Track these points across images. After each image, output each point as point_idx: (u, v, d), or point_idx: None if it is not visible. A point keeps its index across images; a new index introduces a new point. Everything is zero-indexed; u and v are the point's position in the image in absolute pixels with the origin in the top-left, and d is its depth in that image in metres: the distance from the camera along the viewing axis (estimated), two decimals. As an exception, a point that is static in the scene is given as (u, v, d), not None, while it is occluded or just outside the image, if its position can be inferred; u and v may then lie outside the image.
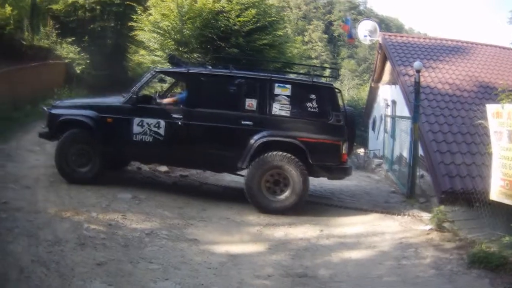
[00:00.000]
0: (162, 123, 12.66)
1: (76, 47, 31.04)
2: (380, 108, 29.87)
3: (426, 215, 12.79)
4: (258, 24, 22.79)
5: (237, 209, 12.64)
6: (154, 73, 13.99)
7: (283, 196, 12.39)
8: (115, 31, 37.20)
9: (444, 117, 17.38)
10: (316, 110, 12.52)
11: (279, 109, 12.54)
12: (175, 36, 21.97)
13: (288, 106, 12.56)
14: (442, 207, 11.89)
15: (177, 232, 10.20)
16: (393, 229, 11.75)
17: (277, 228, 11.29)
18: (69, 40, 31.12)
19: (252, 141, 12.31)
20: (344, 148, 12.46)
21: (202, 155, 12.88)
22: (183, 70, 13.73)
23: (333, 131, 12.42)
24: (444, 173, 14.54)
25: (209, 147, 12.80)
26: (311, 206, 13.48)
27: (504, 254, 8.95)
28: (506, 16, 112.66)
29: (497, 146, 9.79)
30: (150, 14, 23.06)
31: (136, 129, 12.70)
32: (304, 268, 8.78)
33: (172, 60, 14.51)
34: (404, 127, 17.32)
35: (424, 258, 9.62)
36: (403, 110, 20.63)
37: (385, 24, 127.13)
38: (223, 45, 22.51)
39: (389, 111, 25.98)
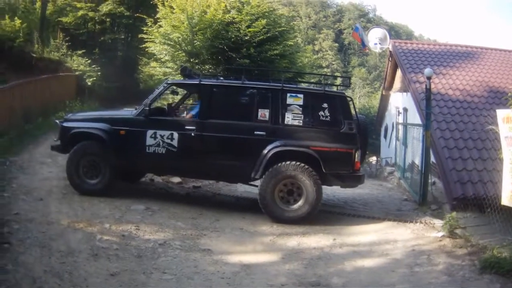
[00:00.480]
0: (175, 134, 12.68)
1: (87, 59, 31.09)
2: (392, 115, 29.83)
3: (438, 222, 12.78)
4: (268, 34, 22.88)
5: (250, 219, 12.67)
6: (166, 85, 13.99)
7: (296, 206, 12.39)
8: (125, 43, 37.33)
9: (455, 123, 17.33)
10: (328, 118, 12.57)
11: (292, 118, 12.58)
12: (186, 48, 22.03)
13: (301, 115, 12.61)
14: (454, 214, 11.91)
15: (190, 242, 10.23)
16: (406, 237, 11.75)
17: (290, 238, 11.29)
18: (80, 52, 31.30)
19: (265, 151, 12.35)
20: (357, 156, 12.51)
21: (216, 166, 12.92)
22: (195, 81, 13.89)
23: (346, 139, 12.48)
24: (456, 180, 14.50)
25: (223, 158, 12.86)
26: (324, 215, 13.55)
27: (515, 259, 8.96)
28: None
29: (508, 151, 9.77)
30: (161, 26, 23.12)
31: (149, 141, 12.75)
32: (318, 277, 8.79)
33: (184, 71, 14.57)
34: (416, 135, 17.29)
35: (437, 264, 9.63)
36: (414, 117, 20.59)
37: (394, 31, 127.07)
38: (234, 55, 22.60)
39: (400, 119, 25.98)
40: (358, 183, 13.11)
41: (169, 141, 12.68)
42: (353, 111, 13.33)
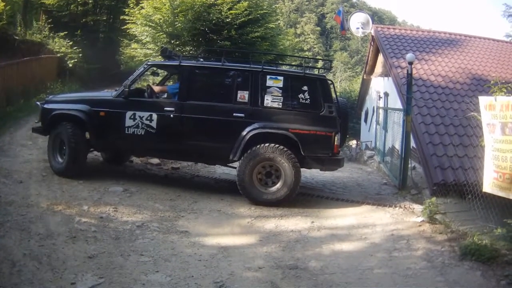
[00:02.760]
0: (154, 116, 12.67)
1: (69, 41, 31.14)
2: (373, 100, 29.89)
3: (418, 207, 12.76)
4: (250, 17, 22.95)
5: (228, 201, 12.65)
6: (146, 66, 13.98)
7: (274, 188, 12.37)
8: (107, 25, 37.46)
9: (437, 109, 17.40)
10: (308, 101, 12.54)
11: (271, 101, 12.57)
12: (167, 29, 22.07)
13: (280, 97, 12.59)
14: (434, 199, 11.86)
15: (168, 224, 10.22)
16: (385, 221, 11.72)
17: (268, 220, 11.29)
18: (62, 34, 31.31)
19: (243, 133, 12.30)
20: (337, 140, 12.44)
21: (194, 147, 12.89)
22: (175, 63, 13.80)
23: (325, 122, 12.43)
24: (436, 165, 14.56)
25: (201, 139, 12.85)
26: (302, 197, 13.54)
27: (496, 246, 8.96)
28: (500, 9, 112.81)
29: (490, 139, 9.80)
30: (142, 8, 23.21)
31: (128, 122, 12.72)
32: (295, 260, 8.77)
33: (164, 53, 14.68)
34: (397, 119, 17.28)
35: (416, 250, 9.60)
36: (395, 102, 20.64)
37: (378, 17, 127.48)
38: (215, 37, 22.69)
39: (381, 103, 26.01)
40: (337, 166, 13.14)
41: (148, 122, 12.69)
42: (333, 95, 13.30)
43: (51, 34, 31.17)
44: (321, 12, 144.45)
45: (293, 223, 11.17)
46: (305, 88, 12.54)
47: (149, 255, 8.35)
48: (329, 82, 12.96)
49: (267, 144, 12.21)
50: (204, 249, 8.96)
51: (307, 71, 13.15)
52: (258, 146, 12.23)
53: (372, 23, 28.68)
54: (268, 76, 12.69)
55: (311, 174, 16.66)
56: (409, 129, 14.94)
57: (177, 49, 22.72)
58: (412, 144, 15.76)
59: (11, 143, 15.94)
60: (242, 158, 12.36)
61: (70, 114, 13.11)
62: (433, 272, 8.46)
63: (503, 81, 11.13)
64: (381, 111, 24.11)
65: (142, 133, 12.70)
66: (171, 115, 12.65)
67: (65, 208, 10.16)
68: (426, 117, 16.89)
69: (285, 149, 12.14)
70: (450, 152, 15.08)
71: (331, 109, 12.49)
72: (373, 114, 28.79)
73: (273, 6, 29.82)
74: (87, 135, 13.16)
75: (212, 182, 15.36)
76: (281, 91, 12.62)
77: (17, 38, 27.52)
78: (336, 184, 16.78)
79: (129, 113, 12.74)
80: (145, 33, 23.29)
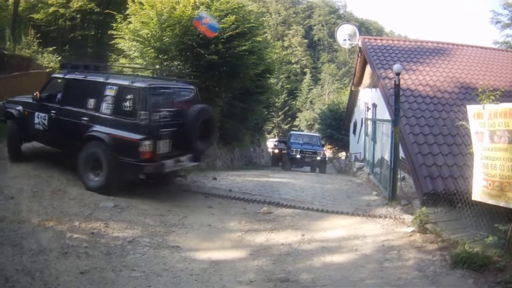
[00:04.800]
0: (47, 116, 15.45)
1: (57, 56, 30.96)
2: (361, 111, 29.95)
3: (408, 217, 12.83)
4: (237, 31, 23.08)
5: (218, 216, 12.79)
6: (50, 78, 17.25)
7: (98, 178, 14.01)
8: (95, 40, 37.42)
9: (425, 119, 17.41)
10: (129, 109, 14.03)
11: (105, 108, 14.35)
12: (155, 44, 22.13)
13: (111, 105, 14.30)
14: (424, 209, 11.92)
15: (159, 239, 10.25)
16: (375, 232, 11.77)
17: (259, 234, 11.34)
18: (50, 49, 31.21)
19: (85, 133, 14.25)
20: (149, 147, 13.61)
21: (64, 141, 15.43)
22: (60, 76, 16.59)
23: (137, 129, 13.69)
24: (425, 175, 14.57)
25: (66, 136, 15.13)
26: (292, 210, 13.67)
27: (488, 254, 9.00)
28: (488, 15, 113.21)
29: (479, 147, 9.85)
30: (130, 22, 23.19)
31: (36, 120, 15.71)
32: (286, 273, 8.79)
33: (64, 67, 17.63)
34: (385, 130, 17.33)
35: (407, 260, 9.64)
36: (384, 113, 20.68)
37: (365, 28, 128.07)
38: (202, 52, 22.85)
39: (369, 114, 26.06)
40: (147, 172, 14.35)
41: (44, 121, 15.51)
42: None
43: (40, 49, 31.02)
44: (308, 25, 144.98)
45: (284, 236, 11.23)
46: (129, 97, 14.09)
47: (141, 270, 8.37)
48: (150, 92, 14.20)
49: (95, 142, 14.17)
50: (195, 264, 8.99)
51: (136, 82, 14.38)
52: (89, 143, 14.25)
53: (359, 35, 28.74)
54: (108, 86, 14.54)
55: (301, 187, 16.70)
56: (398, 140, 14.98)
57: (165, 63, 22.86)
58: (401, 154, 15.79)
59: (1, 158, 16.01)
60: (80, 152, 14.39)
61: (11, 112, 16.42)
62: (424, 281, 8.50)
63: (491, 89, 11.15)
64: (369, 123, 24.15)
65: (41, 128, 15.61)
66: (53, 116, 15.26)
67: (56, 224, 10.13)
68: (414, 127, 16.90)
69: (106, 148, 13.90)
70: (440, 161, 15.10)
71: (145, 117, 13.71)
72: (361, 126, 28.90)
73: (260, 19, 29.94)
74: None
75: (202, 197, 15.32)
76: (113, 99, 14.33)
77: (6, 53, 27.47)
78: (326, 196, 16.89)
79: (36, 113, 15.76)
80: (133, 48, 23.34)
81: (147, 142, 13.42)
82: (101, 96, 14.38)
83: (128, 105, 13.91)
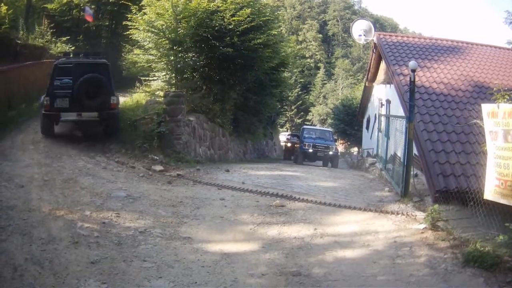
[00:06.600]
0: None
1: (71, 46, 31.05)
2: (374, 107, 29.88)
3: (420, 214, 12.73)
4: (252, 24, 22.93)
5: (230, 208, 12.67)
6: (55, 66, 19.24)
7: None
8: (109, 30, 37.48)
9: (439, 116, 17.34)
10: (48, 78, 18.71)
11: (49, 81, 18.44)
12: (170, 35, 21.99)
13: (48, 80, 18.55)
14: (436, 206, 11.85)
15: (171, 230, 10.21)
16: (387, 228, 11.68)
17: (271, 227, 11.25)
18: (64, 39, 31.35)
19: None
20: (47, 102, 18.05)
21: None
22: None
23: (45, 92, 18.47)
24: (438, 172, 14.50)
25: None
26: (304, 204, 13.54)
27: (499, 253, 8.92)
28: (502, 16, 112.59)
29: (492, 146, 9.76)
30: (145, 13, 23.08)
31: None
32: (298, 267, 8.75)
33: (66, 55, 20.79)
34: (399, 127, 17.20)
35: (419, 257, 9.58)
36: (397, 109, 20.59)
37: (379, 24, 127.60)
38: (217, 44, 22.76)
39: (383, 111, 25.96)
40: (50, 118, 18.46)
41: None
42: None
43: (53, 39, 31.20)
44: (323, 19, 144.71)
45: (296, 230, 11.13)
46: (51, 71, 18.74)
47: (152, 261, 8.35)
48: (58, 66, 18.77)
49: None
50: (207, 256, 8.96)
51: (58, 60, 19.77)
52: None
53: (375, 31, 28.63)
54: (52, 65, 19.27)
55: (314, 182, 16.64)
56: (412, 137, 14.88)
57: (180, 55, 22.83)
58: (414, 151, 15.69)
59: (12, 147, 16.04)
60: None
61: None
62: (436, 279, 8.45)
63: (506, 88, 11.08)
64: (383, 119, 24.02)
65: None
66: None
67: (67, 213, 10.14)
68: (428, 124, 16.83)
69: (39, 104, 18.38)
70: (453, 159, 15.02)
71: (50, 82, 18.31)
72: (375, 122, 28.77)
73: (276, 13, 29.86)
74: None
75: (215, 189, 15.22)
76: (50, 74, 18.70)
77: (19, 42, 27.54)
78: (338, 191, 16.74)
79: None
80: (148, 39, 23.24)
81: (47, 99, 17.95)
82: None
83: (48, 76, 18.62)
